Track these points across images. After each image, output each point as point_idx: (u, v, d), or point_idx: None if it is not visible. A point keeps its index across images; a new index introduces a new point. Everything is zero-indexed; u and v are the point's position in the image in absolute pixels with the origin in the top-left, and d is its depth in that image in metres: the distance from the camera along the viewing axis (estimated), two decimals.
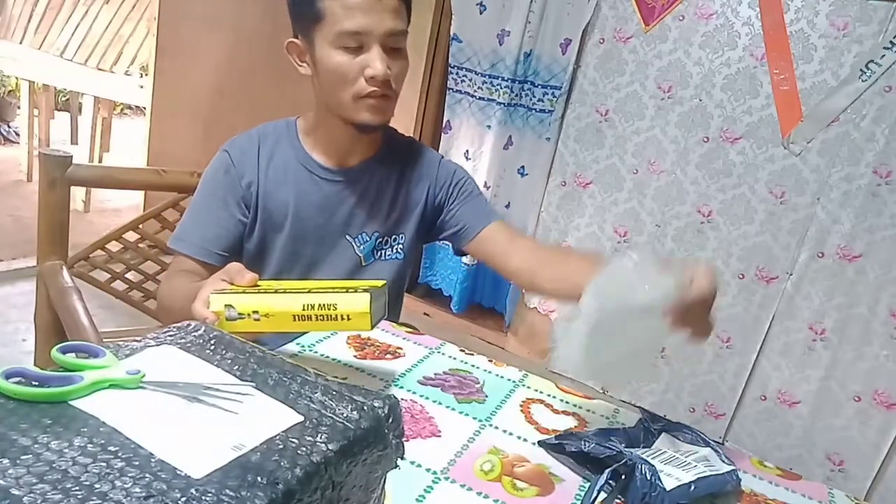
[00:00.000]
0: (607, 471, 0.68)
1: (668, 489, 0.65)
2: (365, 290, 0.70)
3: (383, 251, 1.12)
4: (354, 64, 0.93)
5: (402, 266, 1.14)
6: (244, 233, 1.04)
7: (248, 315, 0.70)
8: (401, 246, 1.13)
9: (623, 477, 0.68)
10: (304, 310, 0.69)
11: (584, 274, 0.80)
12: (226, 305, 0.71)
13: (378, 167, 1.08)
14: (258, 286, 0.76)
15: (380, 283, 0.76)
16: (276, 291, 0.73)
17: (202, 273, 0.99)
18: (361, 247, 1.09)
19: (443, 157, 1.18)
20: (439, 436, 0.76)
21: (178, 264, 1.02)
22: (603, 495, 0.67)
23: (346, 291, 0.70)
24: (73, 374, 0.44)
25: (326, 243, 1.07)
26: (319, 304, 0.69)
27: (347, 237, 1.08)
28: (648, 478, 0.65)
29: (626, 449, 0.71)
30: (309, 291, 0.71)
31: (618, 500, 0.67)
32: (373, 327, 0.71)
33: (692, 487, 0.67)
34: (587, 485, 0.71)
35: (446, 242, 1.18)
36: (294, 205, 1.03)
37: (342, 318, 0.69)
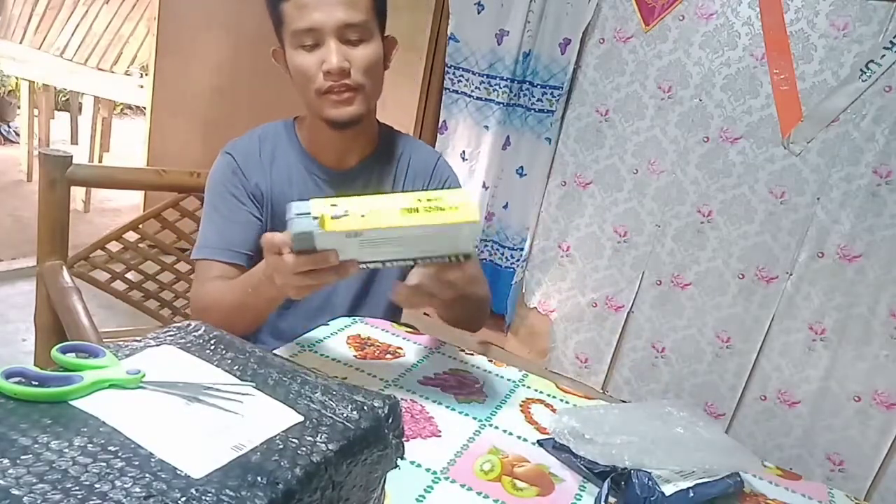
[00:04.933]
0: (606, 481, 0.68)
1: (667, 495, 0.65)
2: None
3: None
4: (313, 60, 0.93)
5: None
6: (260, 231, 1.03)
7: (354, 212, 0.67)
8: None
9: (623, 484, 0.68)
10: (411, 202, 0.68)
11: None
12: (331, 205, 0.68)
13: (376, 166, 1.08)
14: None
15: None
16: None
17: (232, 276, 0.97)
18: None
19: (441, 156, 1.18)
20: (439, 436, 0.76)
21: (205, 272, 0.99)
22: (612, 500, 0.68)
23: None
24: (73, 374, 0.44)
25: None
26: (427, 198, 0.68)
27: None
28: (647, 483, 0.65)
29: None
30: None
31: None
32: (479, 221, 0.70)
33: (691, 493, 0.67)
34: (587, 485, 0.71)
35: None
36: None
37: (450, 209, 0.68)
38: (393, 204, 0.68)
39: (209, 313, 0.93)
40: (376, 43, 0.97)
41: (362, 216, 0.67)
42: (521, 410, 0.86)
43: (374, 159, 1.08)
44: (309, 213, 0.68)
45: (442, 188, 1.12)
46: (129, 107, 5.73)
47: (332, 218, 0.67)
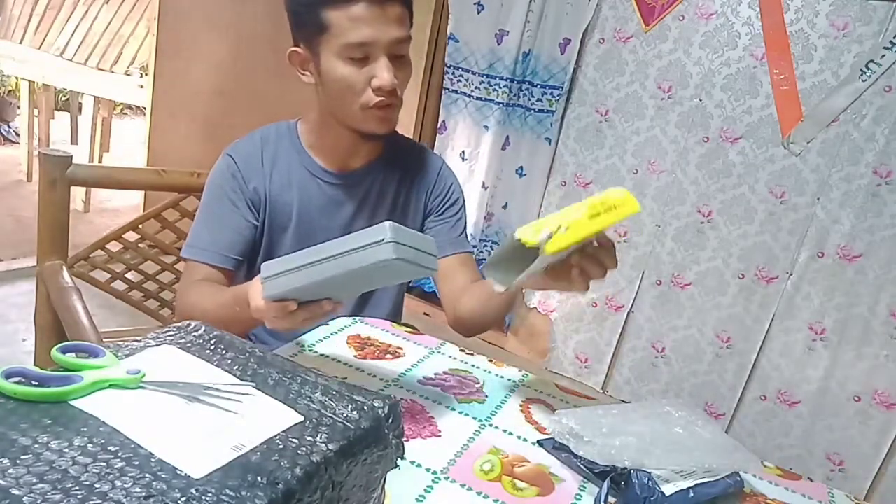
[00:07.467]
0: (606, 481, 0.68)
1: (667, 494, 0.65)
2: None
3: None
4: (361, 75, 0.93)
5: None
6: (255, 236, 1.03)
7: (557, 231, 0.74)
8: None
9: (623, 483, 0.68)
10: (592, 210, 0.74)
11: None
12: (535, 231, 0.75)
13: (381, 170, 1.08)
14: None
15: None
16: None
17: (219, 279, 0.98)
18: None
19: (444, 163, 1.18)
20: (439, 436, 0.76)
21: (191, 272, 0.99)
22: (612, 500, 0.68)
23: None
24: (73, 374, 0.44)
25: None
26: (600, 202, 0.75)
27: None
28: (647, 483, 0.65)
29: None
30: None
31: None
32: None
33: (691, 493, 0.66)
34: (587, 485, 0.71)
35: None
36: (298, 208, 1.03)
37: (619, 206, 0.75)
38: (579, 215, 0.75)
39: (191, 317, 0.90)
40: (409, 58, 0.98)
41: (563, 234, 0.74)
42: (521, 410, 0.86)
43: (378, 163, 1.08)
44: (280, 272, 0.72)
45: (446, 194, 1.14)
46: (129, 107, 5.74)
47: (542, 242, 0.74)
